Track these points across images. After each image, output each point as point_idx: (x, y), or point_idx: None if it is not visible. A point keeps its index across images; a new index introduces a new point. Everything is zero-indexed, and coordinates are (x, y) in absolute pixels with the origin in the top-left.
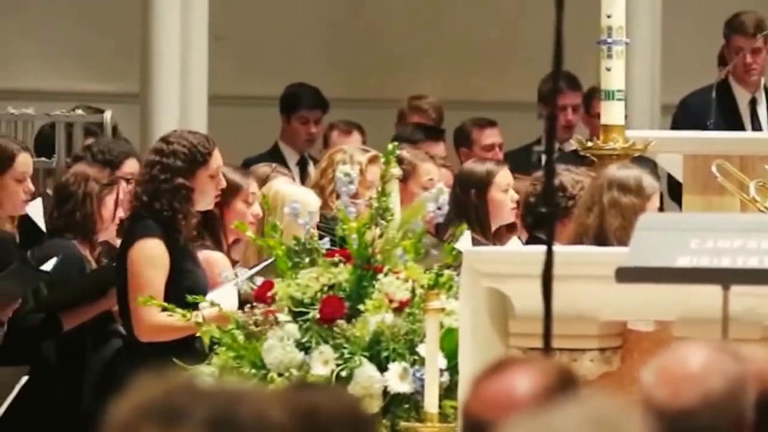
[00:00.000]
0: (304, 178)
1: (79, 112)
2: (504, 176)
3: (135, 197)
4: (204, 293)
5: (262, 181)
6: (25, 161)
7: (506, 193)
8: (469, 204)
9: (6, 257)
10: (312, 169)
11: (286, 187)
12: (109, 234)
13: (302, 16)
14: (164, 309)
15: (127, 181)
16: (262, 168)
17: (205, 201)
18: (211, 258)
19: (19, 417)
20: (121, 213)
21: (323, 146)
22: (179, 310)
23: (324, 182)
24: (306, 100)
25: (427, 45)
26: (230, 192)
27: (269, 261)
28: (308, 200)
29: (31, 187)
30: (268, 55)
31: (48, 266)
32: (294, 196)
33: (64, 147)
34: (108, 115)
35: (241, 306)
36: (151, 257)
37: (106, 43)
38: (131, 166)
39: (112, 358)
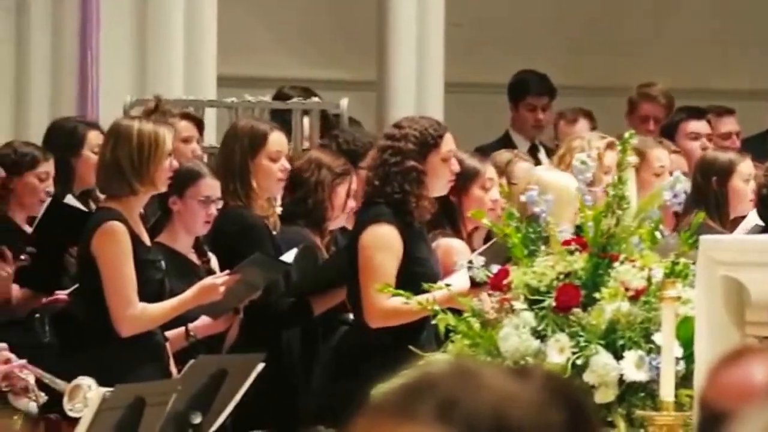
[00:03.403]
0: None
1: (316, 99)
2: (747, 166)
3: (367, 182)
4: (435, 281)
5: (503, 168)
6: (278, 140)
7: (747, 184)
8: (709, 192)
9: (255, 243)
10: (543, 156)
11: (547, 173)
12: (338, 223)
13: (534, 4)
14: (397, 295)
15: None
16: (503, 154)
17: (438, 185)
18: (450, 246)
19: (255, 403)
20: (352, 203)
21: (554, 135)
22: (415, 297)
23: (562, 168)
24: (533, 86)
25: (658, 31)
26: (468, 178)
27: (492, 241)
28: (571, 187)
29: (287, 165)
30: (501, 42)
31: (289, 257)
32: (556, 183)
33: (300, 134)
34: (345, 102)
35: (474, 286)
36: (383, 242)
37: (342, 31)
38: None
39: (340, 345)
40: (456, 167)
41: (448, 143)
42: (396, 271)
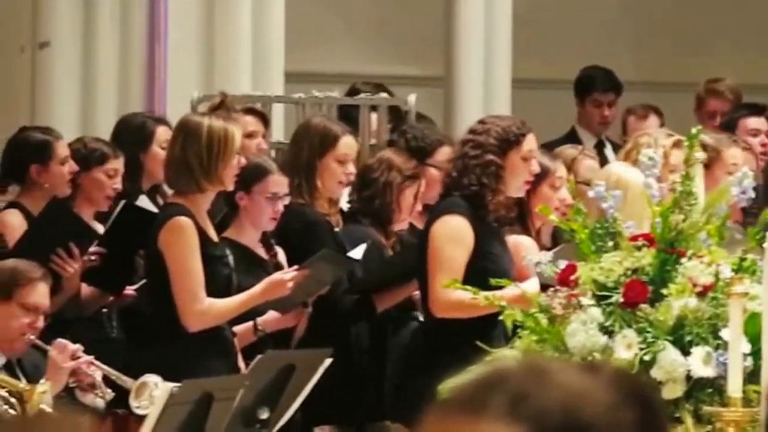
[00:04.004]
0: (602, 162)
1: (384, 95)
2: None
3: (446, 175)
4: (507, 277)
5: (569, 164)
6: (348, 143)
7: None
8: None
9: (318, 240)
10: (609, 152)
11: (627, 171)
12: (404, 225)
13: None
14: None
15: (440, 169)
16: (569, 150)
17: (516, 183)
18: (518, 242)
19: (322, 398)
20: (419, 206)
21: (621, 130)
22: (483, 293)
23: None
24: (599, 82)
25: (725, 27)
26: (539, 176)
27: (565, 243)
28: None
29: (353, 170)
30: (567, 38)
31: (358, 253)
32: (637, 180)
33: (368, 130)
34: (412, 98)
35: (543, 289)
36: (454, 233)
37: (410, 27)
38: (444, 154)
39: (411, 341)
40: (536, 168)
41: (529, 143)
42: (465, 263)
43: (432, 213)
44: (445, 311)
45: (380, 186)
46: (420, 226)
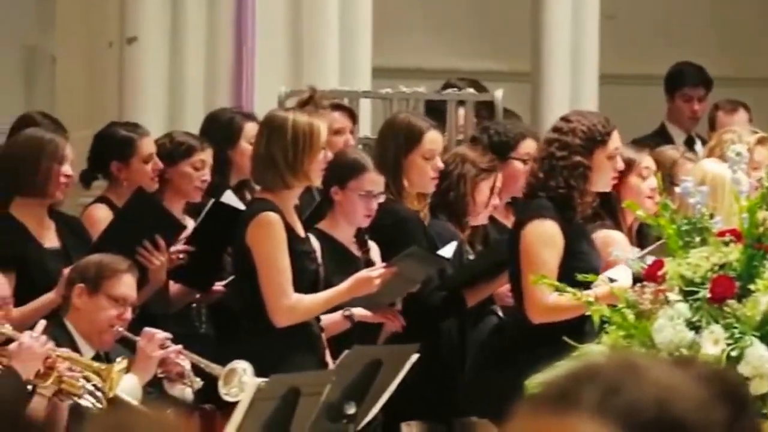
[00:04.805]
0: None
1: (470, 90)
2: None
3: (531, 174)
4: (596, 274)
5: (669, 166)
6: (433, 138)
7: None
8: None
9: (410, 237)
10: (699, 149)
11: (715, 167)
12: (482, 219)
13: None
14: (556, 289)
15: (524, 162)
16: (669, 152)
17: (602, 181)
18: (609, 237)
19: (410, 393)
20: (496, 201)
21: (709, 126)
22: (569, 289)
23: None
24: (689, 78)
25: None
26: (624, 168)
27: (660, 242)
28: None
29: (440, 164)
30: (656, 33)
31: (448, 252)
32: (724, 176)
33: (454, 126)
34: (499, 93)
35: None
36: (546, 237)
37: (496, 22)
38: (528, 147)
39: (498, 336)
40: (621, 165)
41: (615, 140)
42: (557, 266)
43: (521, 216)
44: (542, 316)
45: (454, 179)
46: (503, 220)
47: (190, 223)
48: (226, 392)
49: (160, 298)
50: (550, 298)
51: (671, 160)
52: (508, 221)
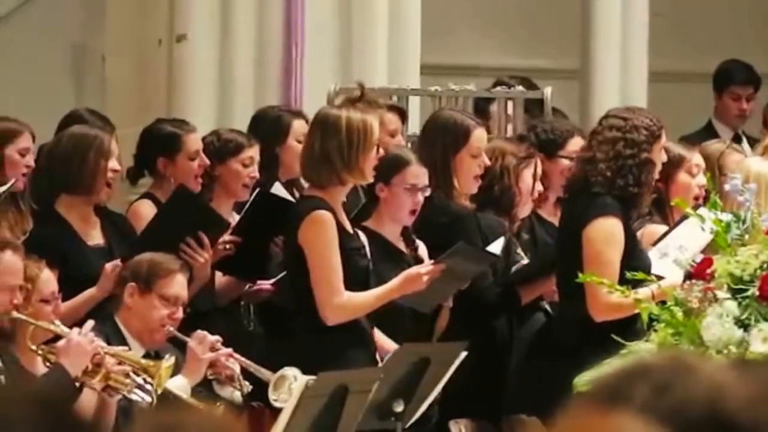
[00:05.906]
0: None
1: (520, 88)
2: None
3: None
4: (648, 272)
5: (715, 159)
6: (480, 136)
7: None
8: None
9: (465, 234)
10: (746, 147)
11: (763, 165)
12: (527, 209)
13: None
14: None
15: (572, 159)
16: (715, 145)
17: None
18: (656, 232)
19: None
20: (540, 187)
21: (762, 125)
22: (618, 287)
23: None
24: (738, 76)
25: None
26: (674, 165)
27: (684, 218)
28: None
29: (486, 161)
30: (705, 31)
31: (496, 248)
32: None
33: (503, 124)
34: (548, 91)
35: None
36: (611, 236)
37: (546, 20)
38: (576, 144)
39: (548, 334)
40: (663, 157)
41: (665, 135)
42: (619, 264)
43: (583, 213)
44: (606, 314)
45: (497, 172)
46: (550, 218)
47: (237, 219)
48: (275, 398)
49: (206, 293)
50: (613, 296)
51: (718, 151)
52: (555, 219)
